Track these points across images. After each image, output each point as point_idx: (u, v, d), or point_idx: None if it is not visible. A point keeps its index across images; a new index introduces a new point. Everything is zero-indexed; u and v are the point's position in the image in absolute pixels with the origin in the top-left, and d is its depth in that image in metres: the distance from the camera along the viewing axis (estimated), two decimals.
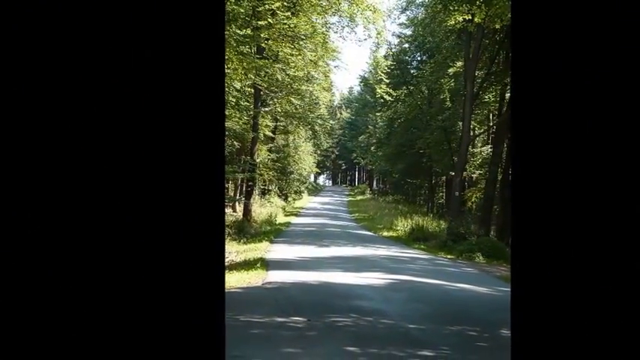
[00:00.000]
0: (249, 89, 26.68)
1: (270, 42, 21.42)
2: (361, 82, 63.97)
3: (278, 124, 37.02)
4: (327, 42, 25.67)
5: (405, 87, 40.32)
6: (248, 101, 27.87)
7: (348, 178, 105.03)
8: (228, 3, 16.77)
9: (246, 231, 25.48)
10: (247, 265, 15.48)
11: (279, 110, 32.66)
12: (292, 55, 23.45)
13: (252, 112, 27.85)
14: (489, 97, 33.25)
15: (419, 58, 44.67)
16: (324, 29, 25.37)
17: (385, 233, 30.04)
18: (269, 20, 19.55)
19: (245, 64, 19.56)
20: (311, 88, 32.94)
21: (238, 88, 24.17)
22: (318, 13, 23.72)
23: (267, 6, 19.20)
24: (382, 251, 20.55)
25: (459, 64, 32.39)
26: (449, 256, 20.60)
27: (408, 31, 42.15)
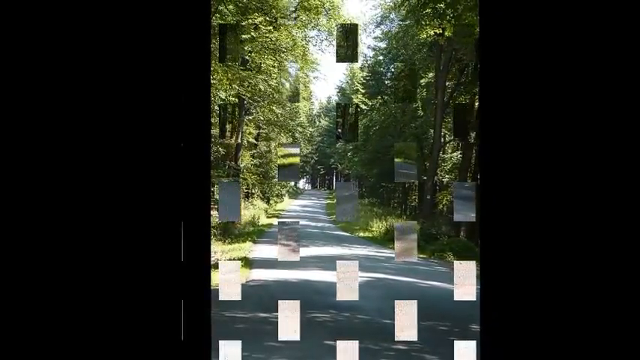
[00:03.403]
0: (233, 99, 26.64)
1: (253, 54, 21.39)
2: (339, 92, 64.02)
3: (261, 131, 36.98)
4: (306, 54, 25.71)
5: (379, 96, 40.42)
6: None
7: (327, 182, 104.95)
8: (214, 18, 16.73)
9: (231, 232, 25.37)
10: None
11: (262, 118, 32.63)
12: (274, 66, 23.44)
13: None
14: None
15: (393, 70, 44.81)
16: (304, 42, 25.41)
17: (361, 234, 29.99)
18: (252, 34, 19.52)
19: (230, 75, 19.53)
20: None
21: (223, 97, 24.12)
22: (298, 27, 23.74)
23: (250, 21, 19.17)
24: (358, 251, 20.54)
25: (431, 75, 32.54)
26: (421, 256, 20.63)
27: (383, 44, 42.21)
